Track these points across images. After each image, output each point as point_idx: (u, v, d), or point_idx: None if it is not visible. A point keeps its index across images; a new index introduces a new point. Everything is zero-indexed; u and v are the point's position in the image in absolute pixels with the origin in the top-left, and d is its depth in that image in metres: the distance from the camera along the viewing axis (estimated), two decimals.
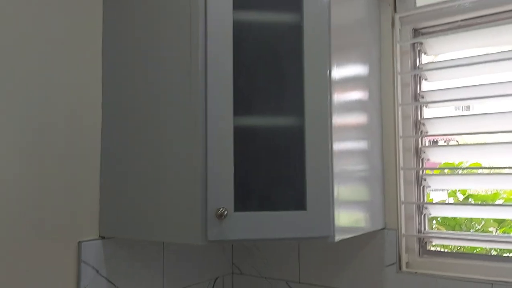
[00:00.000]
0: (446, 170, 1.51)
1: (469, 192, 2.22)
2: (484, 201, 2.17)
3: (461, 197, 2.24)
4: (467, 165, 1.72)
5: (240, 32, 1.04)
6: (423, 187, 1.33)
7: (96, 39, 1.21)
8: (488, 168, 1.34)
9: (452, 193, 2.24)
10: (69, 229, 1.11)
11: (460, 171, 1.58)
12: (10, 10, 1.03)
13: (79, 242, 1.13)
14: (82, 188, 1.15)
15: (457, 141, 1.74)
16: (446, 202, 2.10)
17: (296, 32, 1.06)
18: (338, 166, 1.08)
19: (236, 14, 1.04)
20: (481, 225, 2.25)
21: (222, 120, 1.01)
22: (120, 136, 1.16)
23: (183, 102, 1.04)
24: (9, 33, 1.02)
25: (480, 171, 1.41)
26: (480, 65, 1.23)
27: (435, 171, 1.50)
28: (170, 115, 1.06)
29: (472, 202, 2.16)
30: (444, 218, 2.16)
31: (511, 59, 1.19)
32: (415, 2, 1.34)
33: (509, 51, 1.22)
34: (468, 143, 1.36)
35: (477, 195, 2.25)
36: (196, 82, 1.02)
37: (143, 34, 1.13)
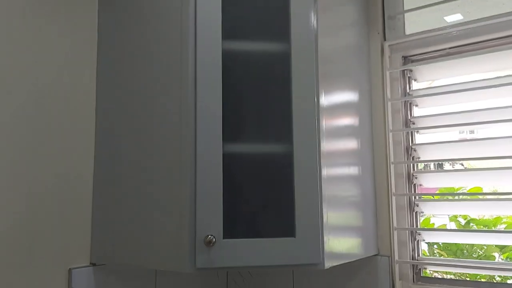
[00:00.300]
0: (447, 196, 1.50)
1: (470, 217, 2.19)
2: (486, 226, 2.14)
3: (462, 221, 2.21)
4: (465, 190, 1.71)
5: (229, 61, 1.07)
6: (416, 212, 1.33)
7: (91, 74, 1.24)
8: (484, 193, 1.33)
9: (453, 218, 2.21)
10: (60, 256, 1.12)
11: (453, 197, 1.57)
12: (6, 13, 1.06)
13: (70, 269, 1.13)
14: (73, 215, 1.16)
15: (462, 164, 1.72)
16: (447, 227, 2.08)
17: (284, 61, 1.08)
18: (328, 191, 1.08)
19: (225, 44, 1.06)
20: (483, 250, 2.21)
21: (211, 147, 1.03)
22: (111, 164, 1.18)
23: (173, 129, 1.06)
24: (4, 36, 1.05)
25: (480, 196, 1.39)
26: (471, 91, 1.24)
27: (431, 197, 1.49)
28: (160, 142, 1.08)
29: (475, 227, 2.13)
30: (445, 243, 2.13)
31: (501, 86, 1.20)
32: (404, 31, 1.36)
33: (497, 77, 1.23)
34: (466, 167, 1.36)
35: (478, 220, 2.22)
36: (186, 109, 1.04)
37: (133, 62, 1.16)
